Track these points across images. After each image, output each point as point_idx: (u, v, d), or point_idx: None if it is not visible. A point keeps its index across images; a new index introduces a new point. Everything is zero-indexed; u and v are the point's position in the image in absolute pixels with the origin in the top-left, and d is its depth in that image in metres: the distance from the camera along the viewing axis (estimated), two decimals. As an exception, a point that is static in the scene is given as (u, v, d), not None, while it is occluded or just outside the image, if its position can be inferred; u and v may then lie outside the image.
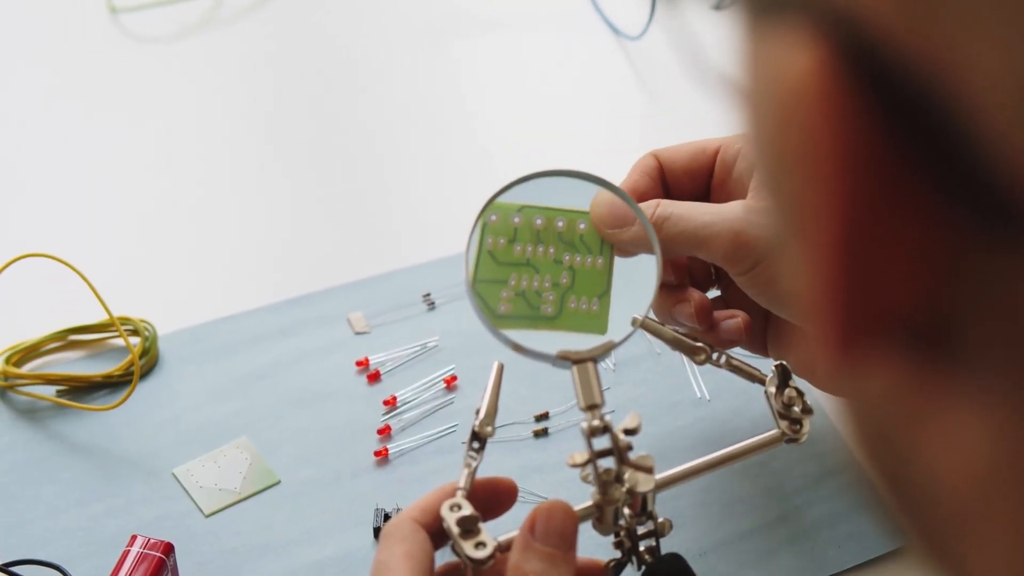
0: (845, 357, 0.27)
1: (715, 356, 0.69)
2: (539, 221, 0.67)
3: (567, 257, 0.67)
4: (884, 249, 0.25)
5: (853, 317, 0.26)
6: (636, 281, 0.68)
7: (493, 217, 0.66)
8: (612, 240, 0.69)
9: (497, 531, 0.62)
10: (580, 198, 0.69)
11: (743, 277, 0.70)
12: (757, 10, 0.27)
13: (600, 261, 0.68)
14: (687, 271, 0.76)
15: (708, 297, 0.73)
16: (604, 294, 0.67)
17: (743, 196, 0.73)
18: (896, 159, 0.25)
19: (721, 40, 0.28)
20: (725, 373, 0.70)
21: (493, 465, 0.80)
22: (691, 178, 0.75)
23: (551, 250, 0.67)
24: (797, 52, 0.25)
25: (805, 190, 0.26)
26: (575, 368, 0.64)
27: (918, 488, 0.28)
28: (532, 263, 0.67)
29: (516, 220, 0.67)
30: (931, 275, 0.25)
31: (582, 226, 0.68)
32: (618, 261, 0.69)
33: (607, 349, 0.65)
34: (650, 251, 0.68)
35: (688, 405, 0.85)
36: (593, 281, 0.68)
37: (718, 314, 0.72)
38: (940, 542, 0.28)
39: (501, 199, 0.66)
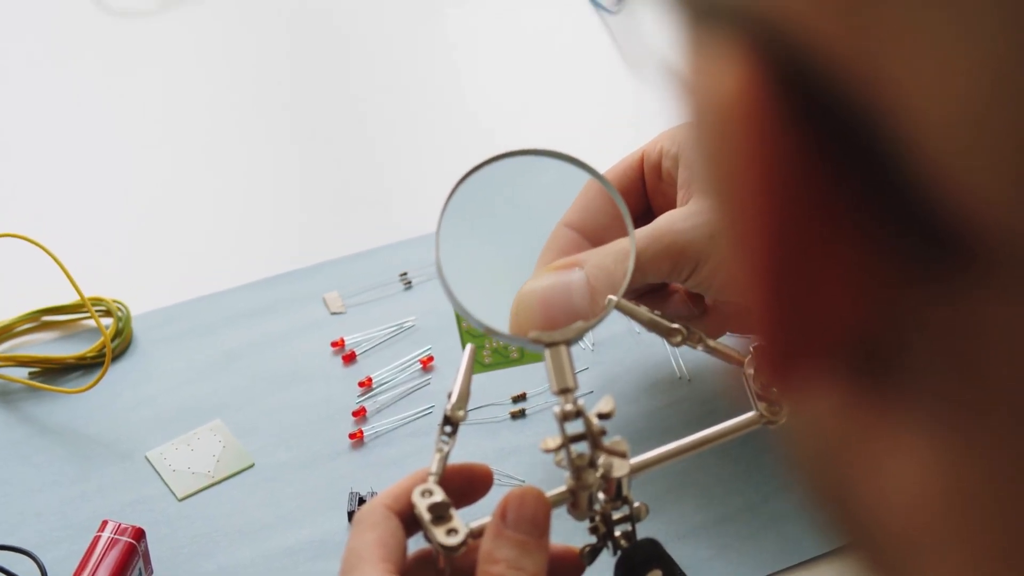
0: (782, 374, 0.26)
1: (691, 337, 0.68)
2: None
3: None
4: (817, 269, 0.24)
5: (788, 336, 0.25)
6: None
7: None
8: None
9: (474, 516, 0.60)
10: (553, 176, 0.68)
11: (688, 283, 0.74)
12: (695, 18, 0.26)
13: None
14: None
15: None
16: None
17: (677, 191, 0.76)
18: (828, 181, 0.24)
19: (668, 39, 0.27)
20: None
21: (470, 447, 0.80)
22: (629, 195, 0.77)
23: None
24: (729, 65, 0.24)
25: (736, 205, 0.25)
26: (547, 351, 0.62)
27: (862, 511, 0.27)
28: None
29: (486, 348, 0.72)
30: (868, 298, 0.24)
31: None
32: None
33: (580, 332, 0.64)
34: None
35: (667, 385, 0.84)
36: None
37: None
38: (887, 565, 0.28)
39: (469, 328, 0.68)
